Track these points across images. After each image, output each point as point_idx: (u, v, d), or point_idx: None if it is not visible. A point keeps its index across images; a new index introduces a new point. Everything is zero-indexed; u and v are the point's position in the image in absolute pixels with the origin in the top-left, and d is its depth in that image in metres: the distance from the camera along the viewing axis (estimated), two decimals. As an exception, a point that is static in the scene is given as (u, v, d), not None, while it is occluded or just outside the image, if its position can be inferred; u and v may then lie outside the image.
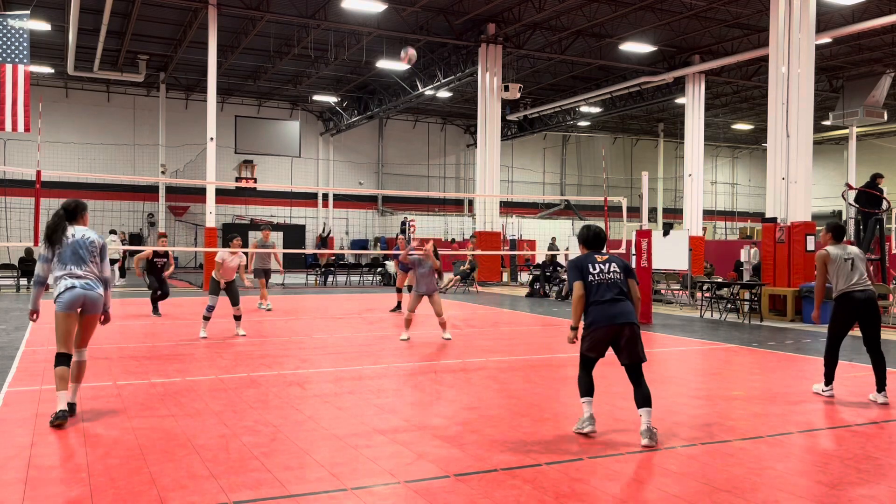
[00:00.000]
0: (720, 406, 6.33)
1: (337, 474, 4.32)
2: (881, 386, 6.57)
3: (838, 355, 6.88)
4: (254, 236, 33.87)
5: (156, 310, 13.27)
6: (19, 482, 4.13)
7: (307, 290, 21.11)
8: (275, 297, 15.67)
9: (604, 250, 5.71)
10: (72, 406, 5.57)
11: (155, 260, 13.13)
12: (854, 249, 6.92)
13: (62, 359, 5.49)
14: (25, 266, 19.58)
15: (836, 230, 6.98)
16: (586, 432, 5.23)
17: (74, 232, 5.68)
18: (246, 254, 12.82)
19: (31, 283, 5.57)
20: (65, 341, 5.53)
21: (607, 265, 5.42)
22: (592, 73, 29.27)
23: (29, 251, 19.77)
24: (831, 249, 6.87)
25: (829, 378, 6.80)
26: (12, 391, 6.59)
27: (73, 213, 5.80)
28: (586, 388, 5.37)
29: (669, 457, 4.79)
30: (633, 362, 5.33)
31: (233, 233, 12.58)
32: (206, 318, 10.59)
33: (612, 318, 5.26)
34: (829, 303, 7.17)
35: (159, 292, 13.14)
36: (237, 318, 10.75)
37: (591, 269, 5.38)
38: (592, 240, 5.65)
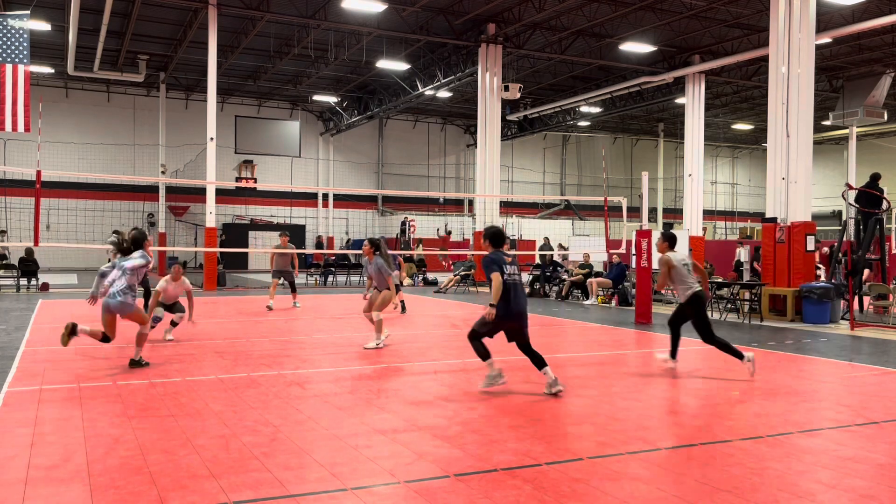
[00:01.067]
0: (720, 406, 6.34)
1: (337, 474, 4.32)
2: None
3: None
4: (253, 237, 33.93)
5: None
6: (19, 482, 4.13)
7: (307, 290, 21.10)
8: (275, 296, 15.66)
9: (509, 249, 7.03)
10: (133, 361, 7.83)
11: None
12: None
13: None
14: (25, 266, 19.58)
15: (671, 239, 8.03)
16: (502, 383, 6.73)
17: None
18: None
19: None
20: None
21: (514, 266, 6.61)
22: (592, 73, 29.26)
23: (29, 251, 19.75)
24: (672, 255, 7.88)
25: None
26: (12, 391, 6.59)
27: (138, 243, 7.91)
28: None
29: (669, 457, 4.79)
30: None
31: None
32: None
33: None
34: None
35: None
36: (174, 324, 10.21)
37: (505, 269, 6.50)
38: (498, 239, 6.76)
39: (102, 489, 4.03)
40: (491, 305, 6.46)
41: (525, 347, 6.73)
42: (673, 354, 8.07)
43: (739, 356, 7.49)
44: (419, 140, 39.08)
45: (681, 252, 8.08)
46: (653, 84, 27.40)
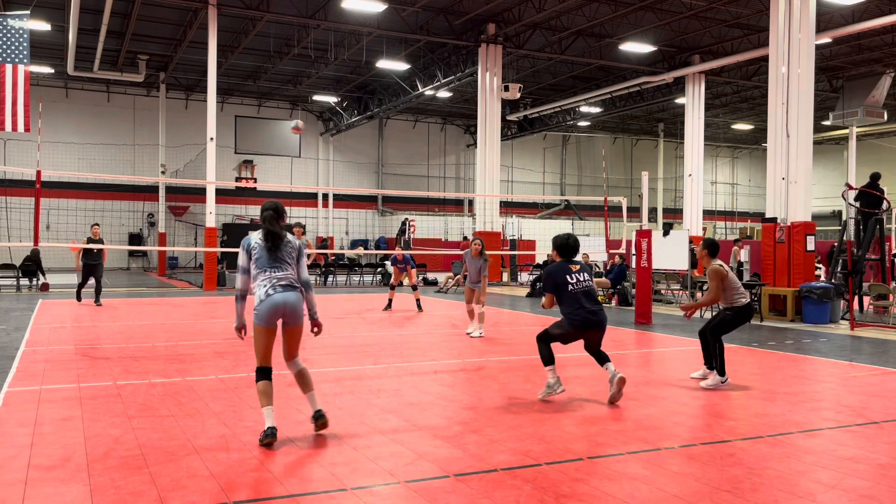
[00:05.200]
0: (720, 406, 6.33)
1: (337, 474, 4.32)
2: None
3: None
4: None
5: (80, 297, 15.05)
6: (19, 482, 4.13)
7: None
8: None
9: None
10: (318, 411, 5.12)
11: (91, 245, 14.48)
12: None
13: (262, 373, 5.01)
14: (25, 267, 19.58)
15: (712, 247, 7.35)
16: (560, 392, 6.42)
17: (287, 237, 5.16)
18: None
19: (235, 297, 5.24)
20: (264, 355, 5.03)
21: (584, 273, 6.42)
22: (592, 73, 29.27)
23: (35, 252, 19.72)
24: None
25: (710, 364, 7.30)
26: (12, 391, 6.59)
27: (280, 213, 5.17)
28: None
29: (669, 457, 4.79)
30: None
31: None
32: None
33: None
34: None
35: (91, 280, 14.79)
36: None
37: (569, 279, 6.34)
38: (570, 251, 6.57)
39: (102, 489, 4.03)
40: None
41: (593, 349, 6.59)
42: (720, 371, 7.15)
43: (721, 371, 7.06)
44: (419, 140, 39.08)
45: (719, 258, 7.37)
46: (653, 84, 27.40)
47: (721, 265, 7.16)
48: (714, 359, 7.18)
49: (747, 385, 7.28)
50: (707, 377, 7.25)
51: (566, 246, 6.55)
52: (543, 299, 6.63)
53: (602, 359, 6.47)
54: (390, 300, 15.04)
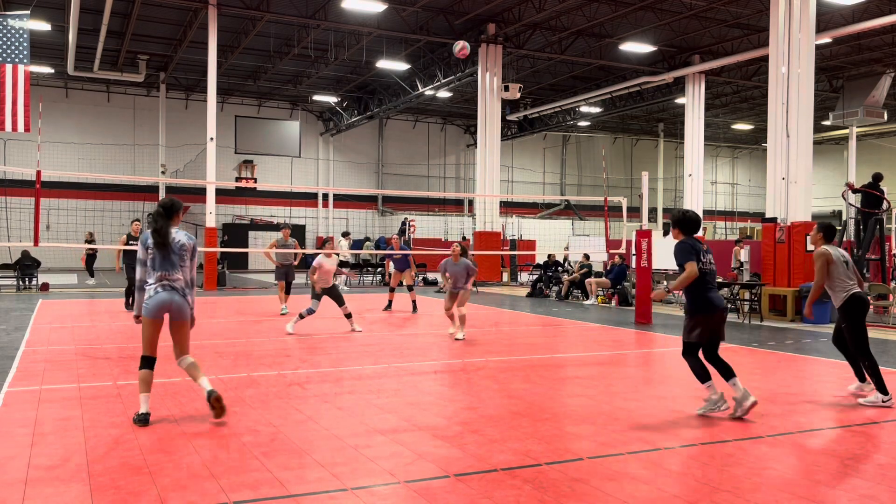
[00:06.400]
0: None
1: (337, 474, 4.32)
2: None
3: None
4: (254, 237, 33.85)
5: (129, 304, 12.89)
6: (19, 482, 4.13)
7: (307, 290, 21.08)
8: (275, 296, 15.66)
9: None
10: (211, 392, 5.51)
11: (130, 243, 12.84)
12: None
13: (146, 362, 5.52)
14: (24, 266, 19.58)
15: (827, 230, 6.83)
16: (724, 409, 5.84)
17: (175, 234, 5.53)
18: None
19: (136, 288, 5.63)
20: (150, 346, 5.53)
21: (709, 255, 5.89)
22: (592, 73, 29.27)
23: (25, 253, 19.73)
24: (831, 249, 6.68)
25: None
26: (12, 391, 6.59)
27: (171, 212, 5.55)
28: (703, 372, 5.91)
29: (669, 457, 4.79)
30: (722, 338, 5.93)
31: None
32: (301, 317, 11.03)
33: (719, 307, 5.82)
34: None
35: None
36: (348, 316, 11.22)
37: (701, 257, 5.76)
38: (692, 224, 5.97)
39: (102, 489, 4.03)
40: (666, 290, 6.10)
41: (715, 352, 5.90)
42: (860, 377, 6.77)
43: (884, 390, 6.30)
44: (419, 140, 39.07)
45: (838, 249, 6.81)
46: (653, 84, 27.40)
47: (830, 251, 6.59)
48: (853, 365, 6.76)
49: (747, 385, 7.27)
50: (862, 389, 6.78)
51: (689, 221, 5.93)
52: (681, 275, 5.74)
53: (727, 371, 5.81)
54: (390, 301, 15.06)
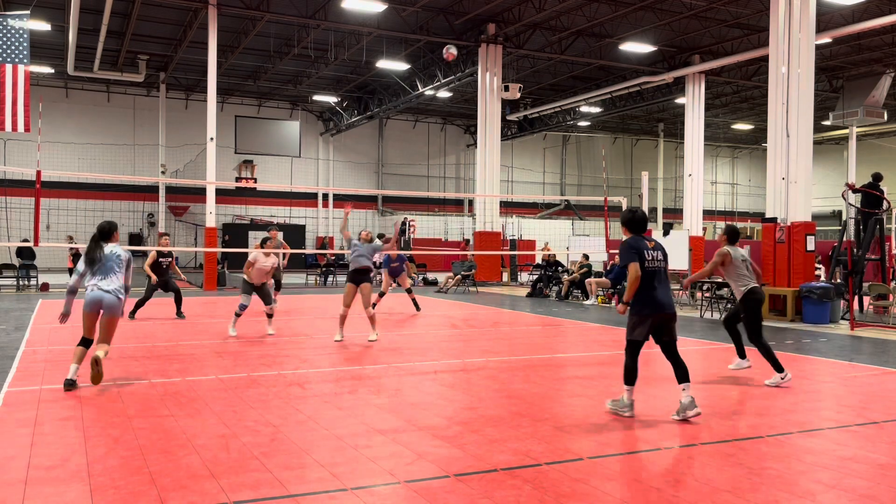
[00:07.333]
0: (720, 406, 6.33)
1: (337, 474, 4.32)
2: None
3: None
4: (253, 237, 33.80)
5: (132, 314, 12.71)
6: (19, 482, 4.13)
7: (307, 290, 21.11)
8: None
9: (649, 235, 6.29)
10: (95, 357, 6.59)
11: (160, 260, 12.88)
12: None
13: (83, 341, 6.84)
14: (23, 265, 19.61)
15: (731, 233, 7.71)
16: (626, 416, 5.81)
17: (109, 249, 6.95)
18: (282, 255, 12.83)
19: (66, 291, 6.99)
20: (88, 331, 6.87)
21: (656, 252, 5.88)
22: (592, 73, 29.26)
23: (19, 250, 19.81)
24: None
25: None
26: (12, 391, 6.59)
27: (107, 234, 7.01)
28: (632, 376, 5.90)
29: (670, 457, 4.79)
30: (674, 340, 5.94)
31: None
32: (237, 315, 10.73)
33: (662, 307, 5.81)
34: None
35: (158, 290, 12.99)
36: (269, 316, 10.91)
37: (646, 255, 5.78)
38: (638, 223, 6.04)
39: (102, 489, 4.03)
40: (623, 303, 5.80)
41: (672, 349, 5.91)
42: (741, 354, 7.99)
43: (779, 369, 7.17)
44: (419, 140, 39.07)
45: (740, 249, 7.76)
46: (653, 84, 27.39)
47: (729, 250, 7.55)
48: (737, 344, 7.97)
49: (747, 385, 7.28)
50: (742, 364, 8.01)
51: (635, 220, 5.99)
52: (627, 281, 5.82)
53: (682, 374, 5.84)
54: (374, 304, 14.67)
